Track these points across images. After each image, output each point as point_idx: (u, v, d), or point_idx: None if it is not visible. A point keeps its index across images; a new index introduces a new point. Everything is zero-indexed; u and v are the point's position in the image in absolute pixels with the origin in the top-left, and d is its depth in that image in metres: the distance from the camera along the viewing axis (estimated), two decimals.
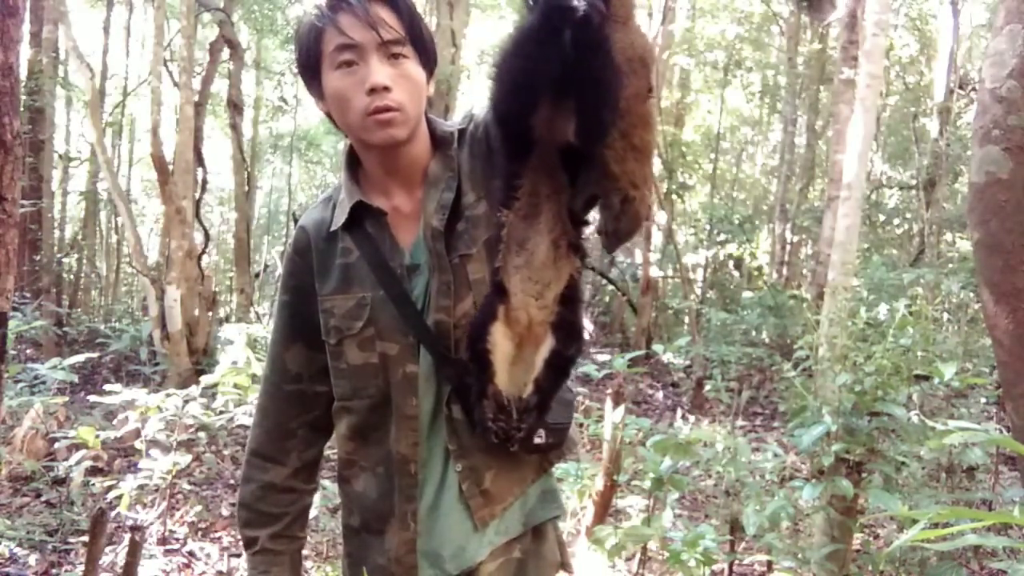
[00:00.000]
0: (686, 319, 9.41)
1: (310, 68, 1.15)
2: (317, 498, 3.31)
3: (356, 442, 1.25)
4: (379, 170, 1.21)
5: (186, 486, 3.80)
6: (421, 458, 1.20)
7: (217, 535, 3.54)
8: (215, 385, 3.52)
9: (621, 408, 2.92)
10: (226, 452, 4.65)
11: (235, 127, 9.49)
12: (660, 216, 10.17)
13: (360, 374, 1.20)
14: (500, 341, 0.84)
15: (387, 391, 1.19)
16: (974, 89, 9.36)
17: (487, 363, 0.87)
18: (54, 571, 3.07)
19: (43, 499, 3.80)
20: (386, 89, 1.09)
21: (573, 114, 0.78)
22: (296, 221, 1.30)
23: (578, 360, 1.01)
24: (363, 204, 1.19)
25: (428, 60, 1.16)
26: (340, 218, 1.20)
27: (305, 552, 3.32)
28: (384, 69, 1.10)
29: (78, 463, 3.46)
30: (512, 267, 0.80)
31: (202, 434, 3.75)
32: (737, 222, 9.87)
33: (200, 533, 3.53)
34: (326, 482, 3.35)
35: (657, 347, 3.74)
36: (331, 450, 1.35)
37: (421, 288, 1.18)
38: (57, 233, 11.05)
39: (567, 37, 0.75)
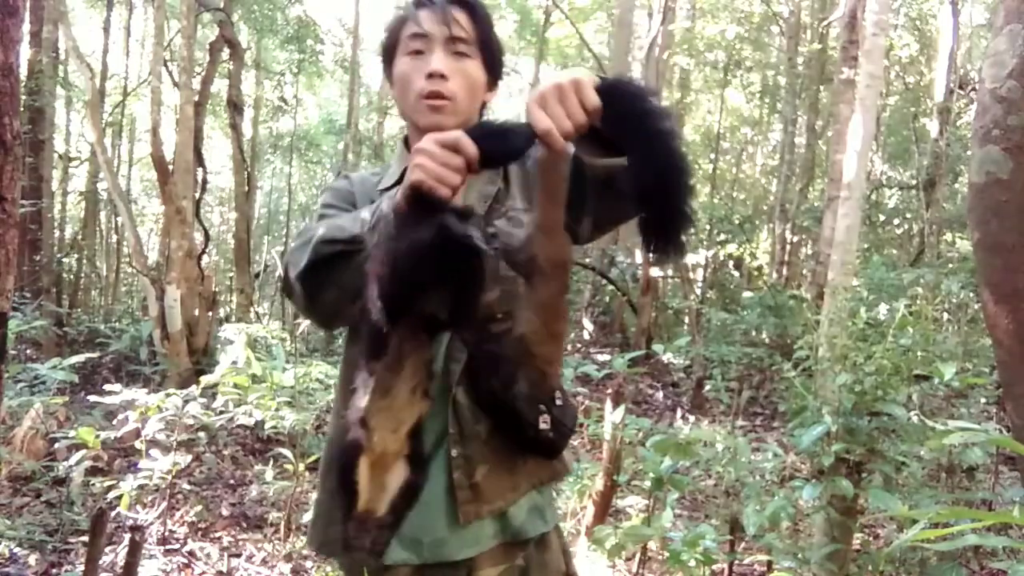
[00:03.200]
0: (686, 319, 9.42)
1: (388, 53, 1.28)
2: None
3: (347, 392, 1.24)
4: None
5: (186, 486, 3.80)
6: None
7: (217, 535, 3.54)
8: (215, 385, 3.52)
9: (621, 408, 2.92)
10: (226, 452, 4.65)
11: (235, 127, 9.49)
12: None
13: None
14: (363, 470, 0.99)
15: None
16: (974, 89, 9.36)
17: (353, 490, 1.00)
18: (54, 571, 3.07)
19: (43, 499, 3.80)
20: (443, 77, 1.20)
21: (447, 300, 0.93)
22: (338, 175, 1.37)
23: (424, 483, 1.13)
24: None
25: (493, 67, 1.28)
26: (387, 181, 1.28)
27: (305, 552, 3.33)
28: (446, 60, 1.21)
29: (78, 463, 3.45)
30: (376, 408, 0.96)
31: (202, 434, 3.75)
32: (737, 222, 9.86)
33: (200, 533, 3.53)
34: None
35: (657, 347, 3.74)
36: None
37: None
38: (57, 233, 11.04)
39: (455, 256, 0.90)
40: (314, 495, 1.42)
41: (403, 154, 1.31)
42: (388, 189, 1.26)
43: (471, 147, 0.94)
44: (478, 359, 1.19)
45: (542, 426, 1.19)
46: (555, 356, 1.10)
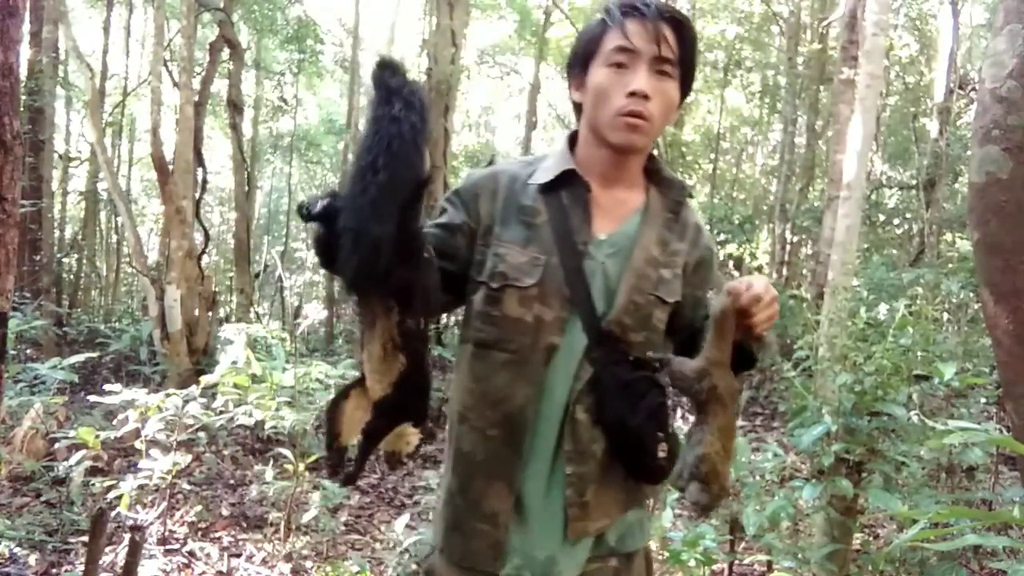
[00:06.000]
0: None
1: (582, 57, 1.24)
2: (317, 497, 3.31)
3: (476, 396, 1.23)
4: (597, 166, 1.26)
5: (186, 486, 3.79)
6: (532, 434, 1.21)
7: (217, 535, 3.54)
8: (215, 385, 3.51)
9: None
10: (226, 452, 4.65)
11: (235, 127, 9.48)
12: None
13: (511, 326, 1.20)
14: (347, 411, 1.14)
15: (528, 353, 1.20)
16: (974, 89, 9.36)
17: (338, 429, 1.14)
18: (54, 571, 3.07)
19: (43, 499, 3.80)
20: (646, 97, 1.18)
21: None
22: (490, 161, 1.34)
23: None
24: (574, 173, 1.24)
25: (686, 89, 1.25)
26: (542, 177, 1.25)
27: (305, 552, 3.33)
28: (649, 80, 1.18)
29: (78, 463, 3.45)
30: (364, 360, 1.10)
31: (202, 434, 3.74)
32: (737, 222, 9.86)
33: (200, 533, 3.53)
34: (325, 482, 3.34)
35: None
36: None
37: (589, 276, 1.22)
38: (57, 233, 11.03)
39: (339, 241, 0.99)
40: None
41: (565, 152, 1.28)
42: (544, 186, 1.24)
43: None
44: (605, 381, 1.19)
45: (660, 455, 1.22)
46: (729, 470, 1.19)
